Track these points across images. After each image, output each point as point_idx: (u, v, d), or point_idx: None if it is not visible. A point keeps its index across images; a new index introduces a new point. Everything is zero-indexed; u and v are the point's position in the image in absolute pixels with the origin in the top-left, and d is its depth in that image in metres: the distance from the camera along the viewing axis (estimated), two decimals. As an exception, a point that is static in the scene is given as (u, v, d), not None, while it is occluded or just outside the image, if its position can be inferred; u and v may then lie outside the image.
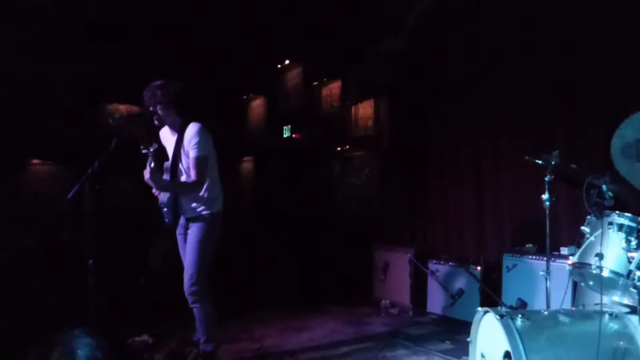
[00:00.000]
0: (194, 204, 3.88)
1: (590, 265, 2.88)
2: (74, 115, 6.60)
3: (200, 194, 3.86)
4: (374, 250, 6.12)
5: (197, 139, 3.74)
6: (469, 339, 3.03)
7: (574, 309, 3.61)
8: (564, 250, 4.26)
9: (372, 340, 4.67)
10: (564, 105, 4.68)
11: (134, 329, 4.52)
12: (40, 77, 6.30)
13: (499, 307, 3.01)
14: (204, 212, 3.87)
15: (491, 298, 4.64)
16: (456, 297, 5.07)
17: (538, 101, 4.86)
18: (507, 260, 4.74)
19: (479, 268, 5.01)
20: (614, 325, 2.68)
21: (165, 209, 3.90)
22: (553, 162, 3.41)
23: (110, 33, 6.46)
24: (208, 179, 3.86)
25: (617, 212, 2.90)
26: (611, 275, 2.80)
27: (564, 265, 3.91)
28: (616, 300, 3.01)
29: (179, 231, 4.03)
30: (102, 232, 3.41)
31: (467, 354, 3.09)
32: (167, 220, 3.90)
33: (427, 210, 6.19)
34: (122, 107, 7.23)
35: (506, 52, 5.14)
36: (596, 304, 2.91)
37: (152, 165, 3.46)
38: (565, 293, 3.62)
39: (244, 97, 9.07)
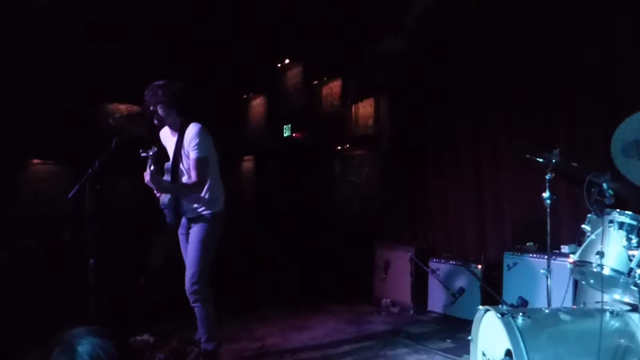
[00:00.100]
0: (195, 204, 3.88)
1: (591, 263, 2.88)
2: (74, 115, 6.60)
3: (202, 194, 3.86)
4: (375, 249, 6.12)
5: (198, 140, 3.74)
6: (470, 338, 3.03)
7: (574, 307, 3.61)
8: (565, 249, 4.27)
9: (373, 339, 4.68)
10: (564, 105, 4.68)
11: (135, 328, 4.53)
12: (40, 77, 6.30)
13: (500, 306, 3.01)
14: (205, 212, 3.87)
15: (492, 296, 4.64)
16: (457, 295, 5.07)
17: (538, 101, 4.87)
18: (508, 259, 4.74)
19: (479, 266, 5.02)
20: (615, 323, 2.68)
21: (166, 210, 3.90)
22: (554, 160, 3.41)
23: (110, 33, 6.45)
24: (209, 179, 3.86)
25: (618, 210, 2.90)
26: (612, 274, 2.80)
27: (564, 264, 3.91)
28: (617, 298, 3.01)
29: (180, 231, 4.03)
30: (102, 232, 3.41)
31: (468, 353, 3.10)
32: (169, 220, 3.91)
33: (428, 209, 6.20)
34: (123, 107, 7.23)
35: (506, 52, 5.14)
36: (597, 302, 2.91)
37: (152, 167, 3.46)
38: (566, 291, 3.62)
39: (244, 96, 9.07)
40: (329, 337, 4.79)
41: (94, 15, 6.33)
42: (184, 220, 3.99)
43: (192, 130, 3.77)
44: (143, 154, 3.41)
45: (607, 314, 2.71)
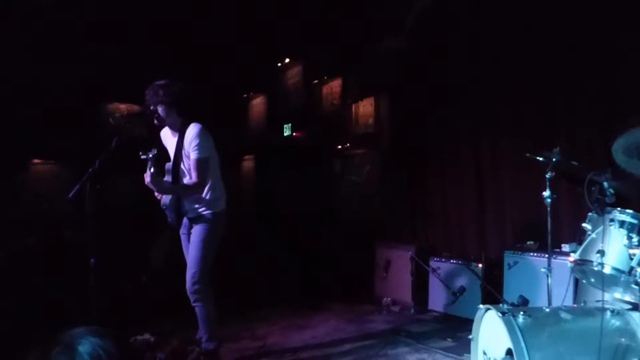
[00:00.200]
0: (196, 205, 3.88)
1: (592, 262, 2.87)
2: (74, 114, 6.59)
3: (203, 194, 3.86)
4: (375, 248, 6.12)
5: (198, 141, 3.74)
6: (470, 337, 3.03)
7: (575, 306, 3.61)
8: (565, 247, 4.27)
9: (374, 337, 4.68)
10: (564, 104, 4.67)
11: (135, 327, 4.53)
12: (40, 77, 6.30)
13: (501, 305, 3.01)
14: (206, 212, 3.88)
15: (492, 295, 4.64)
16: (457, 294, 5.07)
17: (538, 100, 4.86)
18: (509, 258, 4.74)
19: (480, 265, 5.02)
20: (615, 322, 2.68)
21: (168, 210, 3.90)
22: (554, 159, 3.41)
23: (110, 33, 6.45)
24: (210, 180, 3.87)
25: (619, 208, 2.90)
26: (613, 272, 2.80)
27: (565, 262, 3.89)
28: (617, 297, 3.01)
29: (182, 230, 4.04)
30: (103, 232, 3.41)
31: (468, 352, 3.10)
32: (170, 220, 3.91)
33: (428, 208, 6.20)
34: (123, 107, 7.23)
35: (506, 52, 5.13)
36: (598, 301, 2.91)
37: (152, 169, 3.45)
38: (567, 290, 3.62)
39: (245, 95, 9.07)
40: (330, 336, 4.79)
41: (94, 15, 6.33)
42: (185, 220, 3.99)
43: (192, 130, 3.77)
44: (143, 156, 3.40)
45: (608, 313, 2.71)
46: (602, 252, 2.81)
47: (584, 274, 3.12)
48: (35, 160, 7.08)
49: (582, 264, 2.98)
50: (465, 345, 3.63)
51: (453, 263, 5.27)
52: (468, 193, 5.64)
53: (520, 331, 2.55)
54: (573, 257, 3.07)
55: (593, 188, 2.99)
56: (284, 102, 8.33)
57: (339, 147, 7.56)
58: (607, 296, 2.97)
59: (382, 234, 6.38)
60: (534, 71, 4.86)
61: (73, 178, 3.42)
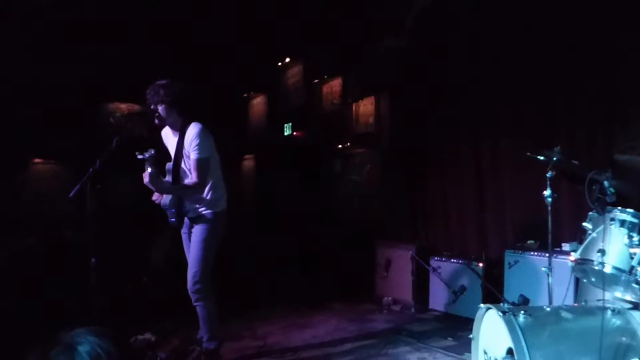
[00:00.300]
0: (197, 204, 3.88)
1: (593, 261, 2.87)
2: (75, 114, 6.61)
3: (204, 194, 3.86)
4: (376, 247, 6.12)
5: (198, 141, 3.73)
6: (471, 336, 3.03)
7: (576, 305, 3.61)
8: (566, 247, 4.26)
9: (375, 337, 4.68)
10: (564, 104, 4.67)
11: (136, 327, 4.53)
12: (40, 77, 6.30)
13: (501, 304, 3.01)
14: (207, 212, 3.88)
15: (493, 294, 4.64)
16: (458, 293, 5.07)
17: (538, 100, 4.86)
18: (509, 257, 4.74)
19: (480, 264, 5.02)
20: (616, 321, 2.68)
21: (169, 210, 3.90)
22: (555, 158, 3.40)
23: (110, 33, 6.46)
24: (211, 179, 3.86)
25: (619, 207, 2.89)
26: (613, 272, 2.80)
27: (565, 262, 3.89)
28: (618, 296, 3.01)
29: (183, 230, 4.04)
30: (103, 231, 3.41)
31: (469, 351, 3.09)
32: (172, 220, 3.90)
33: (429, 207, 6.19)
34: (123, 106, 7.24)
35: (506, 52, 5.13)
36: (598, 300, 2.91)
37: (151, 169, 3.44)
38: (568, 289, 3.61)
39: (245, 95, 9.07)
40: (331, 335, 4.79)
41: (94, 15, 6.33)
42: (186, 220, 3.99)
43: (192, 130, 3.76)
44: (139, 156, 3.39)
45: (609, 312, 2.71)
46: (602, 251, 2.81)
47: (584, 273, 3.12)
48: (36, 160, 7.09)
49: (582, 263, 2.98)
50: (466, 345, 3.63)
51: (454, 262, 5.26)
52: (468, 192, 5.64)
53: (521, 330, 2.55)
54: (574, 256, 3.07)
55: (594, 187, 2.99)
56: (285, 102, 8.33)
57: (340, 146, 7.56)
58: (607, 295, 2.97)
59: (383, 233, 6.37)
60: (534, 71, 4.86)
61: (73, 178, 3.42)
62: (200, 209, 3.88)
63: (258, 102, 9.00)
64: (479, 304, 3.01)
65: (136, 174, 3.58)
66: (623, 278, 2.81)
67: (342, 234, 6.92)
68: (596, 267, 2.86)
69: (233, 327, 4.86)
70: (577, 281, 3.75)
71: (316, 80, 7.83)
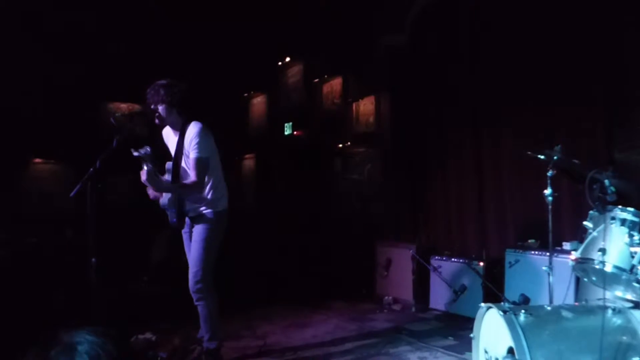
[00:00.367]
0: (198, 204, 3.87)
1: (593, 260, 2.87)
2: (75, 114, 6.61)
3: (205, 193, 3.85)
4: (376, 247, 6.12)
5: (198, 140, 3.73)
6: (472, 335, 3.03)
7: (576, 304, 3.61)
8: (567, 246, 4.26)
9: (375, 336, 4.68)
10: (565, 103, 4.66)
11: (137, 326, 4.53)
12: (41, 76, 6.31)
13: (502, 303, 3.00)
14: (207, 211, 3.87)
15: (494, 294, 4.64)
16: (459, 293, 5.07)
17: (539, 98, 4.85)
18: (510, 256, 4.74)
19: (481, 264, 5.02)
20: (617, 320, 2.67)
21: (168, 210, 3.89)
22: (555, 157, 3.40)
23: (110, 33, 6.46)
24: (212, 179, 3.86)
25: (620, 206, 2.89)
26: (614, 271, 2.80)
27: (566, 261, 3.89)
28: (619, 295, 3.01)
29: (184, 229, 4.03)
30: (104, 231, 3.41)
31: (470, 350, 3.09)
32: (173, 220, 3.89)
33: (429, 206, 6.20)
34: (124, 106, 7.24)
35: (507, 50, 5.13)
36: (599, 299, 2.91)
37: (149, 167, 3.43)
38: (568, 288, 3.61)
39: (245, 94, 9.07)
40: (331, 334, 4.79)
41: (95, 16, 6.34)
42: (187, 219, 3.99)
43: (192, 130, 3.76)
44: (135, 153, 3.38)
45: (609, 311, 2.71)
46: (603, 250, 2.81)
47: (585, 272, 3.12)
48: (37, 160, 7.09)
49: (583, 262, 2.98)
50: (466, 344, 3.63)
51: (454, 261, 5.26)
52: (469, 191, 5.64)
53: (522, 329, 2.55)
54: (574, 255, 3.06)
55: (594, 186, 2.99)
56: (285, 101, 8.33)
57: (340, 145, 7.56)
58: (608, 294, 2.97)
59: (383, 233, 6.38)
60: (534, 70, 4.86)
61: (74, 177, 3.42)
62: (201, 209, 3.88)
63: (258, 102, 8.99)
64: (480, 303, 3.00)
65: (136, 174, 3.58)
66: (624, 277, 2.81)
67: (342, 233, 6.92)
68: (597, 266, 2.85)
69: (233, 327, 4.86)
70: (578, 280, 3.74)
71: (316, 80, 7.83)
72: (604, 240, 2.84)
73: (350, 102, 7.31)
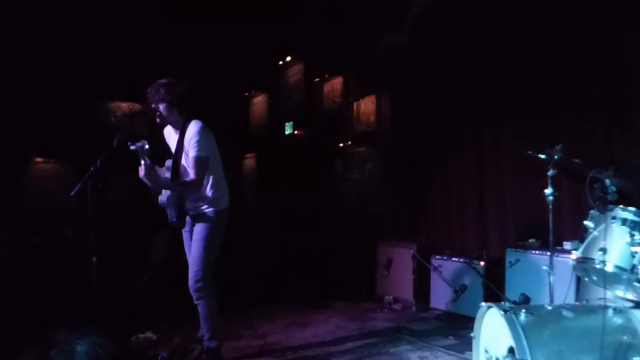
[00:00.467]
0: (198, 203, 3.87)
1: (594, 260, 2.87)
2: (76, 113, 6.61)
3: (206, 192, 3.86)
4: (377, 246, 6.12)
5: (197, 138, 3.73)
6: (472, 335, 3.03)
7: (577, 304, 3.60)
8: (567, 245, 4.26)
9: (376, 335, 4.68)
10: (565, 103, 4.66)
11: (137, 325, 4.53)
12: (42, 76, 6.31)
13: (503, 302, 3.00)
14: (208, 210, 3.87)
15: (494, 293, 4.64)
16: (459, 292, 5.07)
17: (540, 98, 4.85)
18: (510, 255, 4.74)
19: (482, 263, 5.02)
20: (617, 320, 2.67)
21: (168, 209, 3.89)
22: (556, 157, 3.40)
23: (110, 33, 6.46)
24: (212, 177, 3.86)
25: (621, 206, 2.89)
26: (615, 270, 2.79)
27: (567, 260, 3.88)
28: (620, 295, 3.00)
29: (185, 228, 4.03)
30: (104, 230, 3.41)
31: (470, 350, 3.09)
32: (174, 219, 3.89)
33: (430, 206, 6.20)
34: (125, 105, 7.24)
35: (507, 50, 5.12)
36: (600, 299, 2.90)
37: (147, 162, 3.42)
38: (569, 288, 3.61)
39: (246, 94, 9.07)
40: (332, 334, 4.79)
41: (96, 16, 6.34)
42: (188, 218, 3.98)
43: (193, 128, 3.76)
44: (132, 147, 3.37)
45: (610, 311, 2.71)
46: (604, 250, 2.81)
47: (586, 272, 3.12)
48: (38, 159, 7.09)
49: (584, 262, 2.98)
50: (467, 343, 3.63)
51: (455, 261, 5.26)
52: (469, 191, 5.64)
53: (522, 329, 2.55)
54: (575, 254, 3.06)
55: (595, 185, 2.98)
56: (285, 101, 8.33)
57: (340, 145, 7.56)
58: (609, 294, 2.96)
59: (384, 232, 6.38)
60: (534, 70, 4.86)
61: (75, 176, 3.42)
62: (202, 207, 3.88)
63: (259, 101, 8.99)
64: (480, 302, 3.00)
65: (137, 173, 3.58)
66: (624, 277, 2.81)
67: (343, 233, 6.92)
68: (597, 266, 2.85)
69: (234, 326, 4.86)
70: (579, 280, 3.74)
71: (317, 79, 7.83)
72: (604, 239, 2.84)
73: (351, 101, 7.31)
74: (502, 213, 5.31)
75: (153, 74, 3.86)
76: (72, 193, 3.25)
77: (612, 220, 2.88)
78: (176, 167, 3.86)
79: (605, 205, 2.93)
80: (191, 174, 3.75)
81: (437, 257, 5.45)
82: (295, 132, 8.09)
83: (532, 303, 4.22)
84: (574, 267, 3.11)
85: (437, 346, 4.24)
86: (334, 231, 7.05)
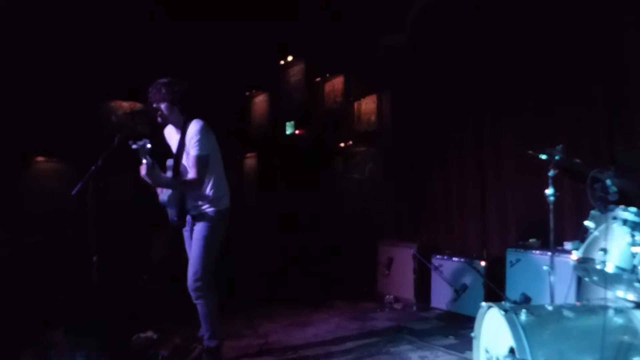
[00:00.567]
0: (199, 202, 3.87)
1: (595, 260, 2.86)
2: (77, 112, 6.61)
3: (206, 192, 3.86)
4: (378, 246, 6.12)
5: (198, 137, 3.73)
6: (472, 334, 3.03)
7: (578, 304, 3.60)
8: (568, 245, 4.25)
9: (376, 335, 4.68)
10: (565, 103, 4.66)
11: (138, 325, 4.53)
12: (43, 76, 6.31)
13: (503, 302, 3.00)
14: (209, 210, 3.87)
15: (495, 293, 4.64)
16: (460, 292, 5.07)
17: (540, 98, 4.85)
18: (511, 255, 4.73)
19: (482, 263, 5.02)
20: (618, 320, 2.67)
21: (168, 208, 3.89)
22: (557, 157, 3.40)
23: (111, 33, 6.46)
24: (213, 177, 3.86)
25: (622, 206, 2.88)
26: (615, 270, 2.78)
27: (567, 260, 3.88)
28: (620, 295, 3.00)
29: (185, 228, 4.03)
30: (105, 229, 3.41)
31: (471, 349, 3.09)
32: (174, 219, 3.89)
33: (431, 206, 6.20)
34: (126, 105, 7.24)
35: (507, 49, 5.12)
36: (600, 299, 2.90)
37: (148, 160, 3.42)
38: (569, 288, 3.60)
39: (247, 93, 9.07)
40: (332, 333, 4.79)
41: (96, 15, 6.34)
42: (188, 218, 3.99)
43: (193, 127, 3.77)
44: (134, 146, 3.37)
45: (611, 311, 2.70)
46: (605, 250, 2.80)
47: (586, 272, 3.11)
48: (39, 158, 7.10)
49: (584, 262, 2.97)
50: (467, 343, 3.63)
51: (455, 261, 5.26)
52: (470, 190, 5.64)
53: (523, 329, 2.55)
54: (575, 255, 3.05)
55: (595, 185, 2.98)
56: (286, 100, 8.33)
57: (341, 144, 7.56)
58: (609, 294, 2.96)
59: (384, 232, 6.38)
60: (534, 70, 4.86)
61: (76, 176, 3.42)
62: (202, 207, 3.88)
63: (260, 101, 9.00)
64: (481, 302, 3.00)
65: (137, 172, 3.58)
66: (625, 277, 2.80)
67: (343, 233, 6.92)
68: (598, 266, 2.84)
69: (235, 326, 4.87)
70: (579, 280, 3.74)
71: (318, 79, 7.83)
72: (605, 240, 2.84)
73: (351, 101, 7.31)
74: (502, 213, 5.31)
75: (154, 74, 3.86)
76: (73, 192, 3.25)
77: (613, 221, 2.87)
78: (177, 166, 3.86)
79: (606, 205, 2.92)
80: (192, 173, 3.75)
81: (437, 256, 5.45)
82: (296, 131, 8.10)
83: (532, 303, 4.22)
84: (575, 267, 3.10)
85: (437, 346, 4.24)
86: (334, 231, 7.05)
